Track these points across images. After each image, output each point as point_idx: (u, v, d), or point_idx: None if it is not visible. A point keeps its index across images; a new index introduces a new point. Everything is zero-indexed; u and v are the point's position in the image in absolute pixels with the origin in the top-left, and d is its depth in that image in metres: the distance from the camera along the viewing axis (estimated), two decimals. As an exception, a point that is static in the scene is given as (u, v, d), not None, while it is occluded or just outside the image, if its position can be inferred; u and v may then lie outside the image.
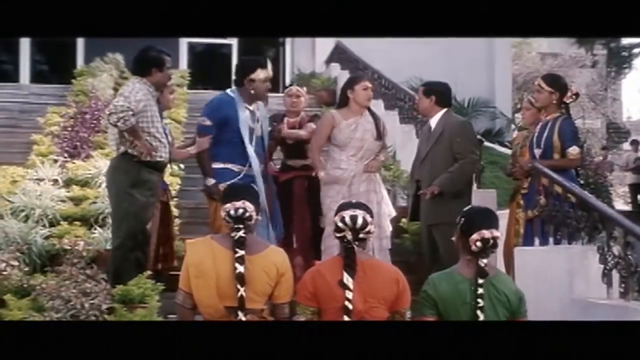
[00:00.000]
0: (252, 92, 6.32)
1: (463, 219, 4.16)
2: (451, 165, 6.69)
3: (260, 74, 6.33)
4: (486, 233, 4.02)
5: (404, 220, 7.74)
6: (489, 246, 4.03)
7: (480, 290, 3.95)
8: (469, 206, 4.39)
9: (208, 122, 6.30)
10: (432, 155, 6.78)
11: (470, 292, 3.99)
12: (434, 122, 6.90)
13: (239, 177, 6.16)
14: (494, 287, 4.02)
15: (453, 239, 4.20)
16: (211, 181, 6.22)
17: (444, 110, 6.90)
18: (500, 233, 4.13)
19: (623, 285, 5.16)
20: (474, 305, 3.96)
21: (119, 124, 5.68)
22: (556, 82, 6.61)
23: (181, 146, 6.85)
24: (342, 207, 4.21)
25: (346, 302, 3.99)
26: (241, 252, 4.04)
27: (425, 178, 6.75)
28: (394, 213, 6.95)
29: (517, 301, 4.08)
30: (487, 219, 4.14)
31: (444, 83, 7.15)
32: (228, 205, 4.16)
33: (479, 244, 4.01)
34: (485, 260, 4.02)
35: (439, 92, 6.95)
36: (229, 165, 6.24)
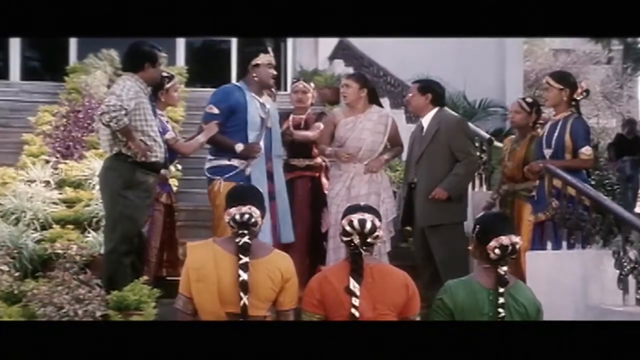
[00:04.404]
0: (256, 78, 6.36)
1: (478, 226, 4.14)
2: (449, 164, 6.73)
3: (263, 58, 6.38)
4: (504, 239, 4.00)
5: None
6: (507, 253, 4.01)
7: (502, 300, 3.93)
8: (482, 213, 4.35)
9: (215, 110, 6.33)
10: (428, 155, 6.80)
11: (489, 302, 3.97)
12: (426, 121, 6.94)
13: (235, 172, 6.18)
14: (513, 297, 4.00)
15: (470, 247, 4.19)
16: (240, 146, 6.24)
17: (437, 108, 6.94)
18: (519, 238, 4.12)
19: (640, 292, 5.17)
20: (492, 316, 3.94)
21: (111, 123, 5.69)
22: (565, 79, 6.67)
23: (188, 139, 6.82)
24: (350, 211, 4.20)
25: (352, 310, 3.99)
26: (245, 259, 4.02)
27: (423, 179, 6.77)
28: (393, 215, 6.93)
29: (535, 312, 4.06)
30: (503, 224, 4.14)
31: (438, 82, 7.23)
32: (233, 209, 4.14)
33: (497, 251, 3.98)
34: (505, 268, 3.99)
35: (435, 91, 7.00)
36: (233, 161, 6.25)
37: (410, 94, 7.13)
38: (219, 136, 6.32)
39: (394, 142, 7.02)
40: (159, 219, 6.38)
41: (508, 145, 7.40)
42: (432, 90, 6.98)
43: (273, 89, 6.91)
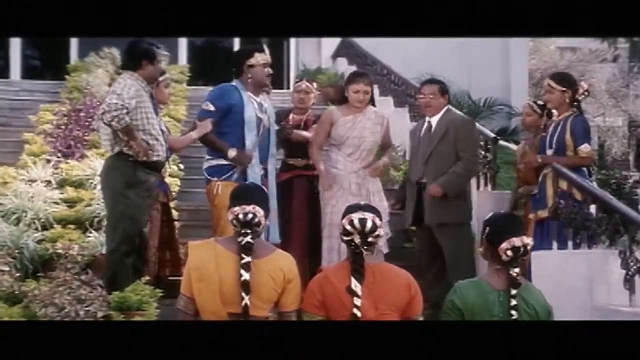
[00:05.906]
0: (251, 79, 6.34)
1: (488, 228, 4.12)
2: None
3: (259, 59, 6.36)
4: (516, 241, 3.98)
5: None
6: (520, 255, 3.99)
7: (514, 302, 3.92)
8: (491, 214, 4.34)
9: (212, 107, 6.31)
10: (437, 155, 6.86)
11: (499, 303, 3.96)
12: (435, 120, 6.98)
13: (232, 172, 6.18)
14: (523, 299, 3.99)
15: (481, 250, 4.18)
16: (233, 152, 6.22)
17: (445, 108, 7.01)
18: (531, 239, 4.11)
19: (646, 292, 5.17)
20: (502, 317, 3.93)
21: (113, 123, 5.70)
22: (566, 80, 6.79)
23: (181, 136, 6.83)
24: (351, 210, 4.20)
25: (354, 310, 3.99)
26: (247, 259, 4.03)
27: (431, 178, 6.85)
28: (386, 218, 6.92)
29: (546, 315, 4.05)
30: (513, 225, 4.13)
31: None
32: (237, 208, 4.14)
33: (510, 253, 3.97)
34: (517, 270, 3.98)
35: (449, 91, 7.11)
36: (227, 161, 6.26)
37: (431, 95, 7.04)
38: (214, 137, 6.30)
39: (385, 142, 7.02)
40: (157, 217, 6.38)
41: (521, 149, 7.46)
42: (448, 91, 7.11)
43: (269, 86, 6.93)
